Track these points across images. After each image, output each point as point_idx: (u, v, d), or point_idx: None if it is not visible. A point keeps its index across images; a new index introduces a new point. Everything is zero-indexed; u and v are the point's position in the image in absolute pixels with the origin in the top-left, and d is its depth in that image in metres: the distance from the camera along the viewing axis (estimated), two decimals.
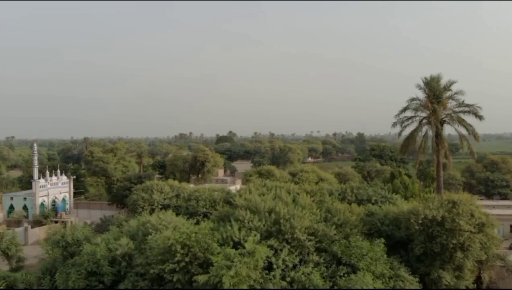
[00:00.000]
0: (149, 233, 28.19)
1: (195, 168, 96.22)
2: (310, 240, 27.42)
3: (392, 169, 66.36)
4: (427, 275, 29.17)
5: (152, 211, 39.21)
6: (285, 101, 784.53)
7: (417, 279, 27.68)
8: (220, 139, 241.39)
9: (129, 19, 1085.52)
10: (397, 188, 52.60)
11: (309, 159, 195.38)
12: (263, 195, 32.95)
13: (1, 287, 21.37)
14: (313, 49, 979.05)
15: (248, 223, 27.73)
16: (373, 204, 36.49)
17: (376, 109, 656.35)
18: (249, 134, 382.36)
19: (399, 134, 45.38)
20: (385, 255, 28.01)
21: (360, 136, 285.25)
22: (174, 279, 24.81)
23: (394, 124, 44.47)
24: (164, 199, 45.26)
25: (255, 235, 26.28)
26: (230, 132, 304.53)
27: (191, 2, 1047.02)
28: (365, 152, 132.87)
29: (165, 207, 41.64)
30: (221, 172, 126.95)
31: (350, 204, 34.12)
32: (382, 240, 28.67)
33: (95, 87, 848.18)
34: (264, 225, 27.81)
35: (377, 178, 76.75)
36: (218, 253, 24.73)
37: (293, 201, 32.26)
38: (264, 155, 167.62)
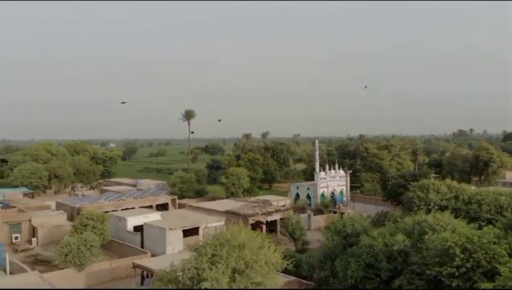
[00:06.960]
0: (425, 233, 27.41)
1: (477, 168, 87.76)
2: None
3: None
4: None
5: (428, 211, 38.03)
6: None
7: None
8: (508, 136, 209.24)
9: None
10: None
11: None
12: None
13: (291, 265, 25.08)
14: None
15: None
16: None
17: None
18: None
19: None
20: None
21: None
22: (453, 285, 23.32)
23: None
24: (441, 199, 43.39)
25: None
26: None
27: None
28: None
29: (441, 208, 39.84)
30: (509, 174, 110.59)
31: None
32: None
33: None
34: None
35: None
36: (506, 263, 21.83)
37: None
38: None
